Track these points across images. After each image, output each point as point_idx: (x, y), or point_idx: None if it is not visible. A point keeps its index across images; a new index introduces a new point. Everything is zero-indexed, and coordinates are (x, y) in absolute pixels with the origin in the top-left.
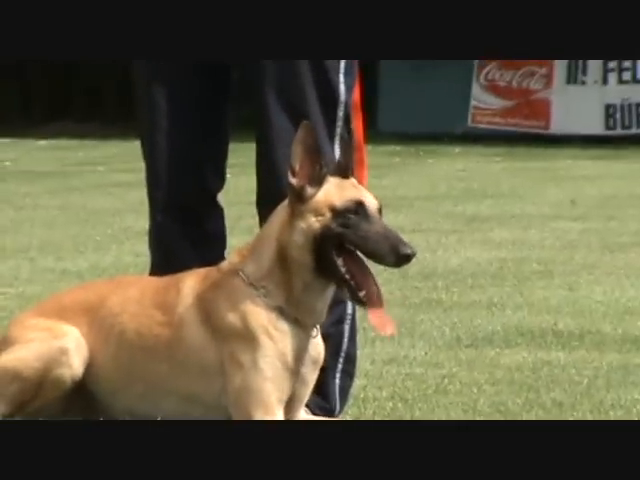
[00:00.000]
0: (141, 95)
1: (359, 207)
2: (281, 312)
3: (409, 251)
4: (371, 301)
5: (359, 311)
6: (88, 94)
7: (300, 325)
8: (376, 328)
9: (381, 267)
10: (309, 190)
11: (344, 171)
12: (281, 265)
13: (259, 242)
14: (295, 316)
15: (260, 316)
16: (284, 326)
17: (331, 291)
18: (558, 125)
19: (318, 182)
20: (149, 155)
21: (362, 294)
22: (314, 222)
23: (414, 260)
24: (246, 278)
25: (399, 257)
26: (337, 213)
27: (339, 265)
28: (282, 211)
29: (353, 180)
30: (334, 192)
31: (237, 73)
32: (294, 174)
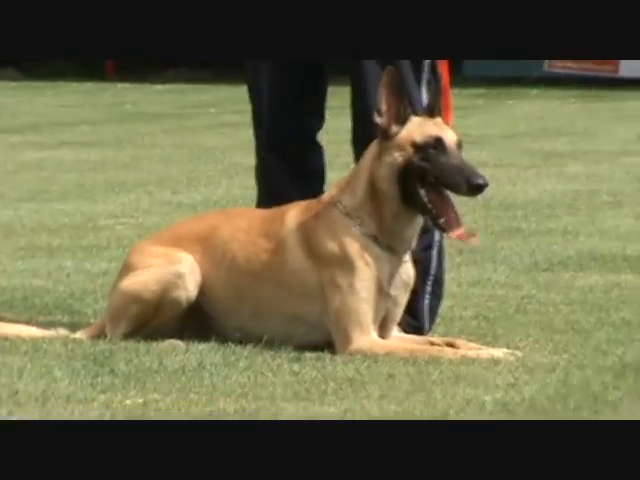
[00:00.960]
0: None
1: (438, 142)
2: (375, 240)
3: (481, 181)
4: (450, 226)
5: (447, 238)
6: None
7: (392, 251)
8: (459, 239)
9: (464, 198)
10: (394, 128)
11: (431, 111)
12: (372, 197)
13: (353, 176)
14: (387, 243)
15: (356, 243)
16: (378, 252)
17: (419, 220)
18: (626, 69)
19: (402, 121)
20: (255, 99)
21: (442, 220)
22: (398, 157)
23: (494, 191)
24: (343, 209)
25: (471, 187)
26: (418, 148)
27: (422, 195)
28: (372, 148)
29: (437, 119)
30: (415, 129)
31: None
32: (380, 114)
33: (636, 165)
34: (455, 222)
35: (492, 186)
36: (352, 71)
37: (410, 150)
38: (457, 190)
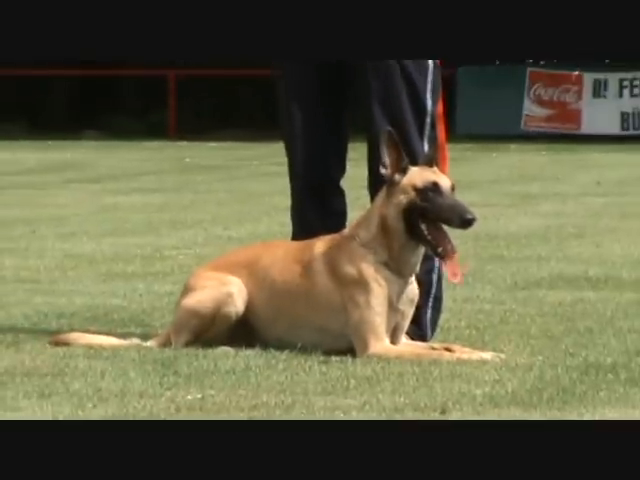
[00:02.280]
0: (282, 108)
1: (435, 186)
2: (386, 265)
3: (470, 216)
4: (446, 255)
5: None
6: (245, 108)
7: (400, 275)
8: (448, 277)
9: (458, 231)
10: (396, 177)
11: (430, 162)
12: (383, 231)
13: (368, 216)
14: (396, 268)
15: (371, 268)
16: (388, 275)
17: (421, 250)
18: (587, 127)
19: (402, 171)
20: (289, 153)
21: (440, 250)
22: (402, 199)
23: (481, 225)
24: (360, 241)
25: (463, 221)
26: (419, 191)
27: (423, 229)
28: (382, 193)
29: (434, 168)
30: (416, 176)
31: (351, 92)
32: (385, 166)
33: (594, 204)
34: (450, 251)
35: (480, 221)
36: (367, 130)
37: (412, 193)
38: (452, 224)
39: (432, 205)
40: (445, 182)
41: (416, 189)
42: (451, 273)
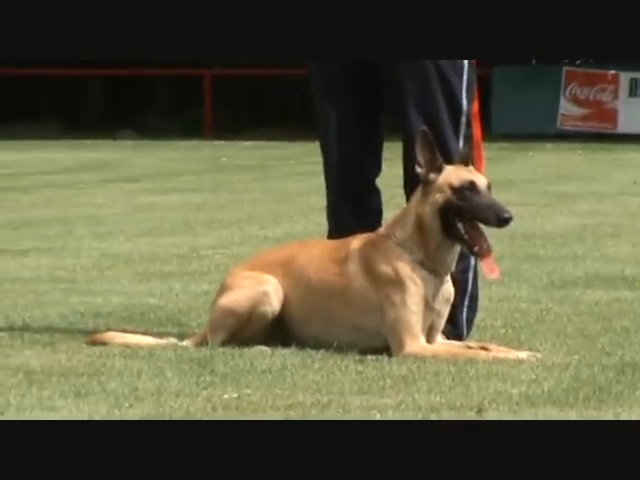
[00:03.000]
0: (318, 110)
1: (471, 185)
2: (421, 264)
3: (507, 215)
4: (482, 253)
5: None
6: (280, 107)
7: (435, 274)
8: (485, 274)
9: (494, 230)
10: (432, 176)
11: (465, 160)
12: (419, 230)
13: (404, 215)
14: (432, 267)
15: (407, 267)
16: (424, 274)
17: (457, 248)
18: (623, 126)
19: (438, 170)
20: (325, 152)
21: (476, 249)
22: (439, 197)
23: (517, 224)
24: (396, 240)
25: (500, 220)
26: (455, 190)
27: (459, 228)
28: (418, 192)
29: (470, 167)
30: (452, 175)
31: (386, 91)
32: (420, 166)
33: (631, 203)
34: (486, 250)
35: (516, 220)
36: (402, 129)
37: (449, 192)
38: (489, 223)
39: (469, 204)
40: (481, 181)
41: (452, 188)
42: (488, 270)
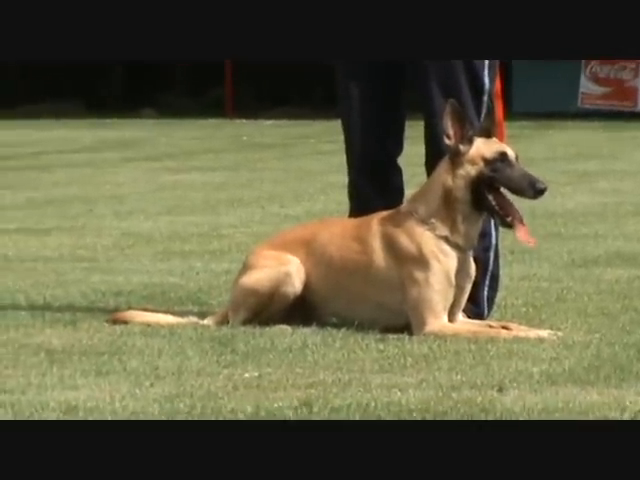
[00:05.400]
0: (341, 89)
1: (503, 156)
2: (446, 240)
3: (542, 186)
4: (516, 224)
5: (501, 241)
6: (303, 87)
7: (459, 249)
8: (522, 241)
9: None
10: (462, 147)
11: (487, 133)
12: (445, 204)
13: (427, 189)
14: (456, 242)
15: (430, 244)
16: (448, 250)
17: (481, 222)
18: None
19: (468, 141)
20: (347, 131)
21: (509, 219)
22: (471, 169)
23: (538, 203)
24: (418, 217)
25: (536, 190)
26: (487, 161)
27: (490, 200)
28: (443, 166)
29: (494, 139)
30: (483, 147)
31: (408, 70)
32: (449, 137)
33: None
34: (519, 220)
35: (538, 200)
36: (424, 107)
37: (481, 163)
38: (524, 194)
39: (501, 175)
40: (511, 152)
41: (485, 159)
42: (525, 238)
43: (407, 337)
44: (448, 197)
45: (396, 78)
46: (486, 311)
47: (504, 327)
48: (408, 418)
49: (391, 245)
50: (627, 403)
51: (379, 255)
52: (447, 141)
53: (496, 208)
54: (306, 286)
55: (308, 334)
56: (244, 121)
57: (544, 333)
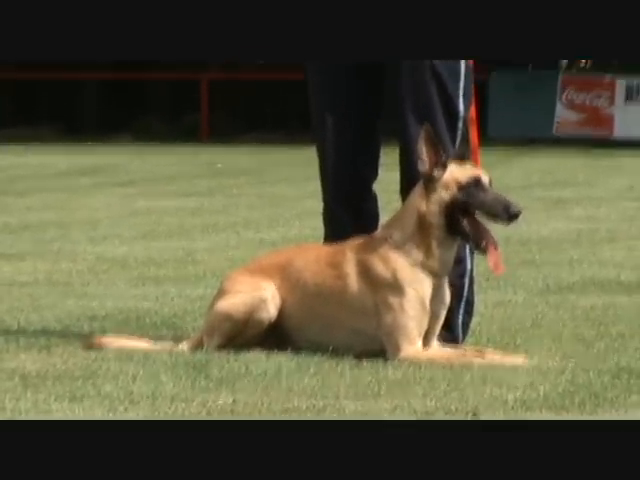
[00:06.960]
0: (314, 113)
1: (477, 181)
2: (421, 265)
3: (516, 209)
4: (489, 248)
5: (476, 267)
6: (276, 112)
7: (434, 275)
8: (490, 267)
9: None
10: (436, 172)
11: (461, 158)
12: (420, 230)
13: (402, 215)
14: (431, 268)
15: (404, 270)
16: (422, 276)
17: (456, 247)
18: (619, 132)
19: (442, 166)
20: (322, 157)
21: (482, 244)
22: (445, 194)
23: (513, 229)
24: (393, 243)
25: (510, 215)
26: (461, 186)
27: (464, 225)
28: (417, 191)
29: (469, 164)
30: (457, 172)
31: (383, 98)
32: (423, 163)
33: (628, 208)
34: (494, 246)
35: (512, 225)
36: (399, 134)
37: (455, 188)
38: (498, 218)
39: (475, 200)
40: (485, 177)
41: (459, 184)
42: (494, 265)
43: (382, 363)
44: (422, 222)
45: (371, 104)
46: (461, 337)
47: (479, 353)
48: None
49: (366, 271)
50: None
51: (354, 281)
52: (421, 166)
53: (470, 233)
54: (281, 311)
55: (283, 359)
56: (218, 147)
57: (519, 359)
